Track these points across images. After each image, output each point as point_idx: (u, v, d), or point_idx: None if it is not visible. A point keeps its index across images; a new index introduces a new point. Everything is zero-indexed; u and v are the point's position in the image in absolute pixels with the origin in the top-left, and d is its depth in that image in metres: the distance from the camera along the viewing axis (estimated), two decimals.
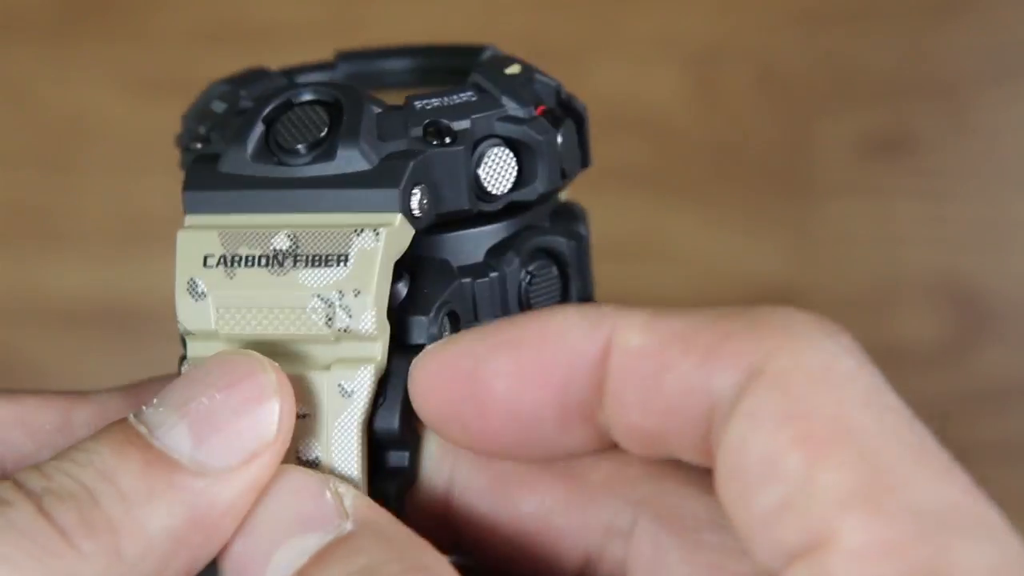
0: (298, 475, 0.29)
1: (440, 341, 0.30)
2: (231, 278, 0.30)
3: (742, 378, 0.26)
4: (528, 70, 0.32)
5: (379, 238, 0.29)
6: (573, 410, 0.29)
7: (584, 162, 0.33)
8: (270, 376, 0.29)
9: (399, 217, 0.29)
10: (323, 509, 0.28)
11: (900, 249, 0.62)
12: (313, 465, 0.29)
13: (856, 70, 0.62)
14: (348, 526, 0.28)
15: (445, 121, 0.30)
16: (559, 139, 0.31)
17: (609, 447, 0.30)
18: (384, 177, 0.29)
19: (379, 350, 0.29)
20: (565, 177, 0.32)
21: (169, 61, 0.61)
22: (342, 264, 0.29)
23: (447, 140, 0.30)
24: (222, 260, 0.30)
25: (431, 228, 0.31)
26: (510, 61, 0.32)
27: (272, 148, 0.30)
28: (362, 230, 0.29)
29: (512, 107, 0.31)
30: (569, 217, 0.33)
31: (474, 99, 0.31)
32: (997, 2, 0.62)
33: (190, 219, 0.30)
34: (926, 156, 0.62)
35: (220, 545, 0.29)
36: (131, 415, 0.29)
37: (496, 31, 0.62)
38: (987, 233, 0.62)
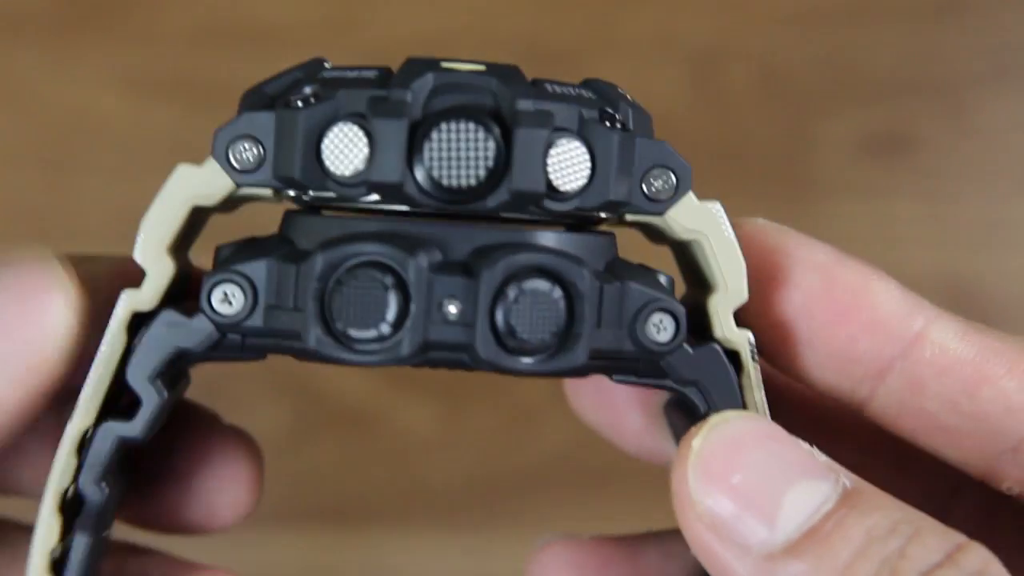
0: (773, 426, 0.28)
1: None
2: None
3: None
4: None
5: (173, 173, 0.29)
6: (842, 364, 0.31)
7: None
8: (52, 274, 0.28)
9: (209, 160, 0.29)
10: (815, 462, 0.28)
11: (900, 249, 0.62)
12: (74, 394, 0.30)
13: (856, 70, 0.62)
14: (847, 482, 0.27)
15: (311, 89, 0.29)
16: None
17: (845, 415, 0.33)
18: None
19: (144, 282, 0.29)
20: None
21: (169, 61, 0.61)
22: None
23: (299, 103, 0.29)
24: None
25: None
26: None
27: None
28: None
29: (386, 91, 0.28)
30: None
31: (370, 76, 0.29)
32: (997, 2, 0.62)
33: None
34: (926, 156, 0.62)
35: None
36: None
37: (496, 31, 0.62)
38: (987, 233, 0.62)
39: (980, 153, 0.62)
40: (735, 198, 0.64)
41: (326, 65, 0.30)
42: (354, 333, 0.28)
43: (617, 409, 0.37)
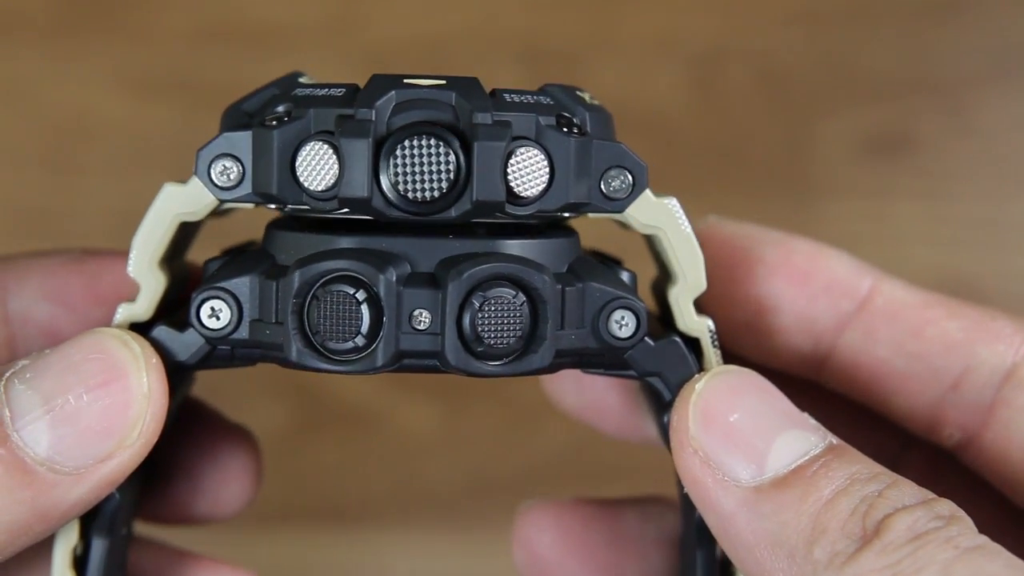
0: (769, 382, 0.31)
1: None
2: None
3: (1018, 354, 0.33)
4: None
5: (160, 192, 0.31)
6: (805, 324, 0.35)
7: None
8: (142, 380, 0.29)
9: (193, 179, 0.31)
10: (806, 418, 0.30)
11: (900, 249, 0.62)
12: None
13: (856, 70, 0.62)
14: (833, 440, 0.30)
15: (284, 108, 0.30)
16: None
17: (803, 375, 0.36)
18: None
19: (139, 295, 0.31)
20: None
21: (169, 61, 0.61)
22: None
23: (274, 122, 0.30)
24: None
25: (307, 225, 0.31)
26: None
27: None
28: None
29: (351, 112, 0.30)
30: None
31: (338, 94, 0.31)
32: (997, 2, 0.62)
33: None
34: (926, 156, 0.62)
35: (61, 526, 0.30)
36: (1, 384, 0.29)
37: (496, 31, 0.62)
38: (987, 233, 0.62)
39: (980, 153, 0.62)
40: (735, 198, 0.65)
41: (301, 80, 0.32)
42: (332, 345, 0.29)
43: (595, 392, 0.39)
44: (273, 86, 0.31)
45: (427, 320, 0.29)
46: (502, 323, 0.29)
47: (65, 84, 0.61)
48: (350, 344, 0.29)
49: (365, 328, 0.29)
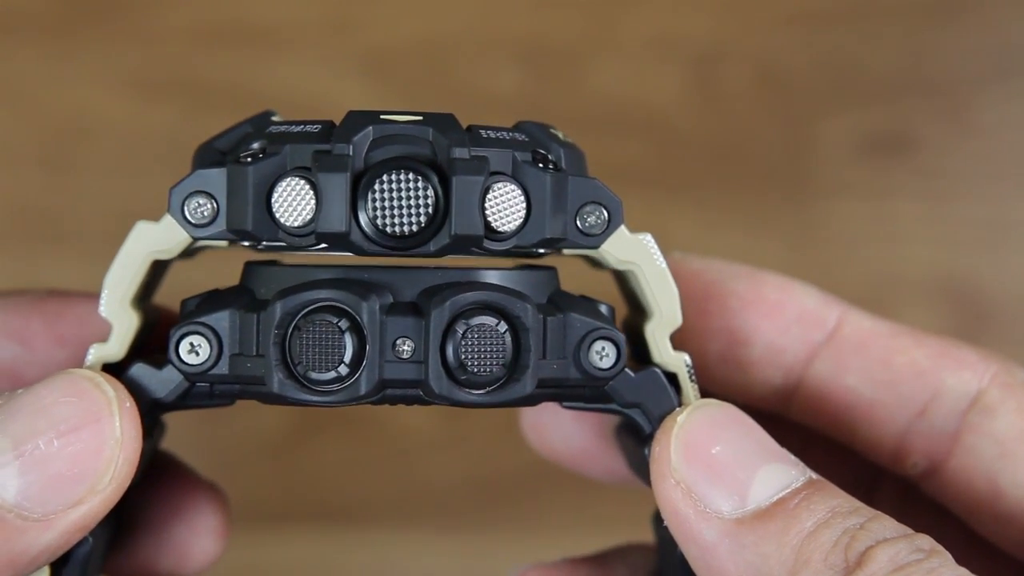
0: (748, 416, 0.31)
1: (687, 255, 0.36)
2: None
3: (983, 381, 0.34)
4: None
5: (132, 231, 0.31)
6: (775, 355, 0.36)
7: None
8: (114, 424, 0.29)
9: (166, 216, 0.30)
10: (786, 453, 0.30)
11: (900, 249, 0.62)
12: None
13: (856, 70, 0.62)
14: (813, 474, 0.30)
15: (259, 144, 0.30)
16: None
17: (773, 408, 0.36)
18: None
19: (111, 335, 0.31)
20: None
21: (169, 61, 0.61)
22: None
23: (249, 159, 0.30)
24: None
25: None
26: None
27: None
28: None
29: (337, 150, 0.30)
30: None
31: (314, 130, 0.30)
32: (997, 2, 0.62)
33: None
34: (926, 156, 0.62)
35: (31, 573, 0.29)
36: None
37: (496, 31, 0.62)
38: (987, 233, 0.62)
39: (980, 153, 0.62)
40: (735, 198, 0.64)
41: (273, 119, 0.32)
42: (314, 375, 0.29)
43: (584, 437, 0.39)
44: (246, 124, 0.31)
45: (410, 349, 0.30)
46: (485, 351, 0.30)
47: (65, 84, 0.61)
48: (332, 374, 0.29)
49: (348, 357, 0.29)
